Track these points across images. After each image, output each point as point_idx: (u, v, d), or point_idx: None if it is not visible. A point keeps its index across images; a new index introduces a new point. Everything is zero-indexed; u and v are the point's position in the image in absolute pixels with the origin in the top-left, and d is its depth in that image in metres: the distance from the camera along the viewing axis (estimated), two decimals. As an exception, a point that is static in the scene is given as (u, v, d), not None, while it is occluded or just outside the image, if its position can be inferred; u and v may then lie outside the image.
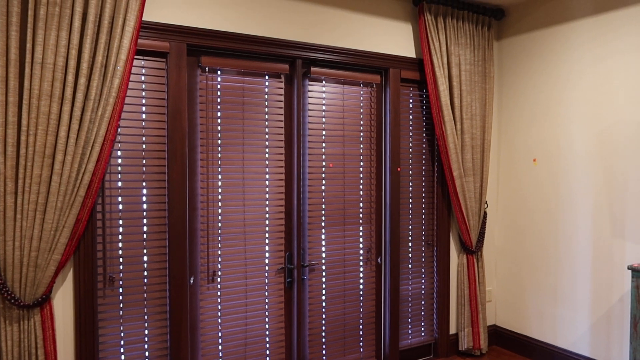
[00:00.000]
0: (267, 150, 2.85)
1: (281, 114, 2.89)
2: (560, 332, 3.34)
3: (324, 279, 3.07)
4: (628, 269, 2.55)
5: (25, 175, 2.08)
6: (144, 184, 2.51)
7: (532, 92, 3.49)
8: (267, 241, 2.86)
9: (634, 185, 2.91)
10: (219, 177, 2.72)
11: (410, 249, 3.40)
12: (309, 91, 2.98)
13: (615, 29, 2.98)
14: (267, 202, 2.85)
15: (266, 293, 2.87)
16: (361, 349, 3.22)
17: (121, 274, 2.46)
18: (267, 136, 2.85)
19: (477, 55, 3.43)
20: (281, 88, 2.88)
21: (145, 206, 2.51)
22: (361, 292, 3.22)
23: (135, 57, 2.46)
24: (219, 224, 2.72)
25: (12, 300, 2.08)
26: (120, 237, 2.45)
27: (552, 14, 3.35)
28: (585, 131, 3.16)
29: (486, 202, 3.56)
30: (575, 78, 3.21)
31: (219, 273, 2.72)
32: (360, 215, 3.20)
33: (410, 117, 3.37)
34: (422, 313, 3.47)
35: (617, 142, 2.99)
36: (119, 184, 2.45)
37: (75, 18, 2.13)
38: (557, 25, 3.31)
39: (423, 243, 3.47)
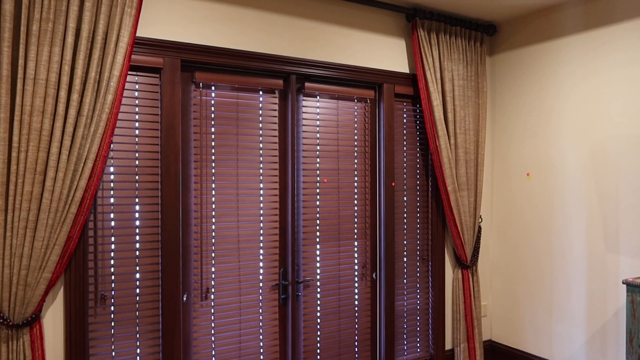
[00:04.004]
0: (261, 165, 2.84)
1: (275, 130, 2.88)
2: (556, 347, 3.32)
3: (318, 295, 3.04)
4: (623, 283, 2.55)
5: (16, 192, 2.04)
6: (137, 200, 2.48)
7: (525, 106, 3.52)
8: (261, 257, 2.83)
9: (627, 199, 2.92)
10: (213, 192, 2.69)
11: (405, 264, 3.38)
12: (303, 106, 2.98)
13: (606, 44, 3.02)
14: (261, 218, 2.83)
15: (260, 310, 2.83)
16: (356, 366, 3.19)
17: (113, 292, 2.42)
18: (261, 152, 2.84)
19: (470, 71, 3.45)
20: (275, 103, 2.88)
21: (137, 223, 2.48)
22: (356, 308, 3.19)
23: (129, 72, 2.45)
24: (213, 240, 2.69)
25: (1, 320, 2.04)
26: (112, 254, 2.41)
27: (543, 30, 3.38)
28: (577, 145, 3.18)
29: (480, 217, 3.56)
30: (567, 93, 3.24)
31: (213, 290, 2.69)
32: (355, 231, 3.18)
33: (404, 132, 3.37)
34: (418, 329, 3.44)
35: (609, 156, 3.01)
36: (112, 200, 2.42)
37: (68, 34, 2.12)
38: (549, 41, 3.35)
39: (418, 258, 3.45)
